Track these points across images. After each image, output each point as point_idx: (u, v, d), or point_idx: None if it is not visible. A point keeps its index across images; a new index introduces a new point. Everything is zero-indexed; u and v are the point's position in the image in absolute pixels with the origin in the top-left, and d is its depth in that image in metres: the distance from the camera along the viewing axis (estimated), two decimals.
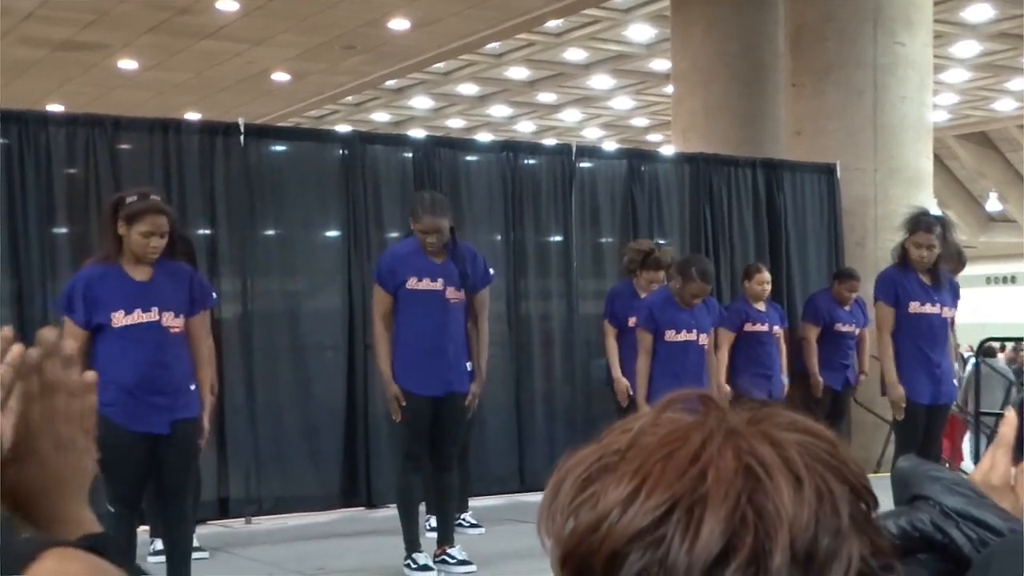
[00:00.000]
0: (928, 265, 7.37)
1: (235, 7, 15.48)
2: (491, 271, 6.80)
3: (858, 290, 9.44)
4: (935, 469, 1.49)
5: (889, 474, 1.54)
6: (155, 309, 5.43)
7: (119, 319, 5.36)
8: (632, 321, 8.23)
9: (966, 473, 1.58)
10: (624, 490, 0.97)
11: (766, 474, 0.96)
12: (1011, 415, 1.57)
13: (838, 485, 0.98)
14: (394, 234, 8.77)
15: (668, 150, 11.57)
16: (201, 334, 5.69)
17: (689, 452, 0.98)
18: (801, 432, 1.01)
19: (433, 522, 7.36)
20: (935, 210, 8.42)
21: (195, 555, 6.01)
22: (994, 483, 1.53)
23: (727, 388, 8.18)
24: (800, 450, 0.98)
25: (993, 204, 32.06)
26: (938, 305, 7.45)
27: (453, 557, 6.66)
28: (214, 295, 6.47)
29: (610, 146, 17.69)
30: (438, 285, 6.56)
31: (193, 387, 5.59)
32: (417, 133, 13.93)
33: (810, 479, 0.96)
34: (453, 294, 6.56)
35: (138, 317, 5.39)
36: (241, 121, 8.97)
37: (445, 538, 6.76)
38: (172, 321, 5.48)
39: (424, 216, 6.49)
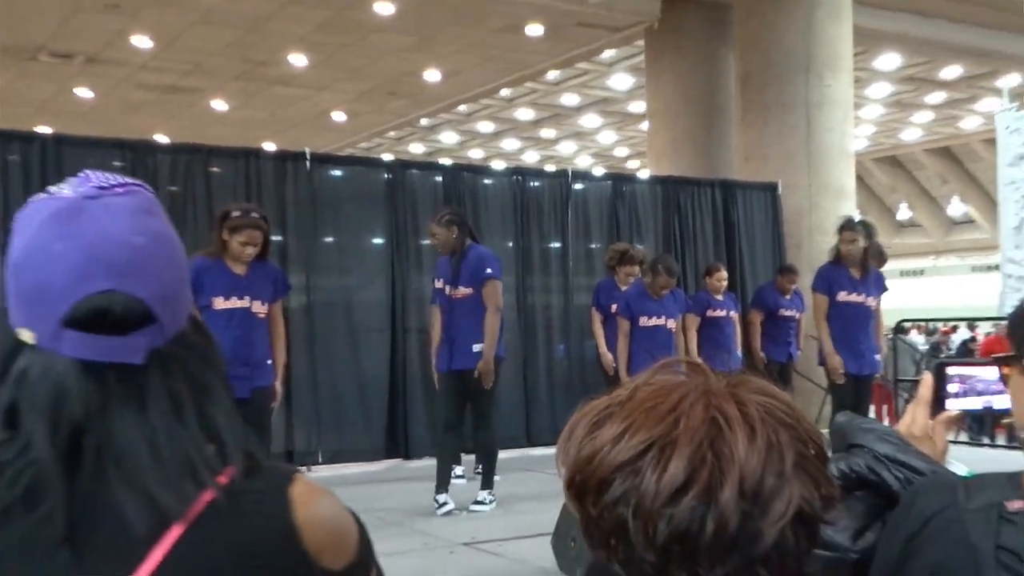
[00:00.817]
0: (857, 256, 7.33)
1: (303, 61, 15.52)
2: (489, 271, 6.57)
3: (797, 282, 9.42)
4: (867, 422, 1.47)
5: (826, 429, 1.52)
6: (247, 297, 5.51)
7: (219, 303, 5.43)
8: (614, 308, 8.21)
9: None
10: (615, 431, 0.99)
11: (727, 425, 0.96)
12: (927, 378, 1.55)
13: (787, 438, 0.97)
14: (426, 241, 8.78)
15: (644, 174, 11.55)
16: (279, 316, 5.77)
17: (669, 405, 0.99)
18: (764, 395, 1.01)
19: (459, 470, 7.38)
20: (858, 217, 8.38)
21: None
22: (916, 434, 1.51)
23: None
24: (759, 409, 0.99)
25: (903, 213, 32.15)
26: (863, 295, 7.42)
27: (485, 499, 6.67)
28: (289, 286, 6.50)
29: (598, 171, 17.60)
30: (440, 284, 6.69)
31: (269, 361, 5.60)
32: (445, 161, 13.95)
33: (763, 431, 0.96)
34: (452, 291, 6.57)
35: (233, 303, 5.47)
36: (307, 150, 8.98)
37: (484, 483, 6.78)
38: (259, 308, 5.56)
39: (430, 224, 6.78)
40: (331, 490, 1.07)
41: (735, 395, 1.00)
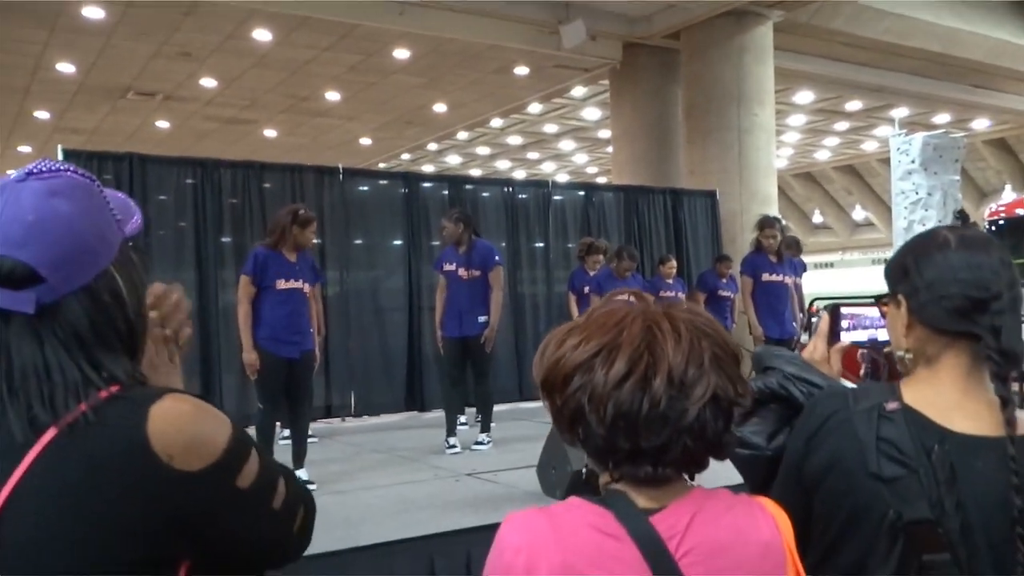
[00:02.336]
0: (776, 248, 7.37)
1: (337, 97, 15.47)
2: (496, 258, 6.68)
3: (731, 268, 9.42)
4: (778, 350, 1.50)
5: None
6: (301, 280, 5.49)
7: (281, 284, 5.42)
8: (586, 290, 8.21)
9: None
10: (575, 341, 1.05)
11: (660, 333, 1.02)
12: (826, 316, 1.58)
13: (707, 343, 1.03)
14: (436, 243, 8.78)
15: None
16: (317, 297, 5.71)
17: (615, 320, 1.05)
18: (691, 314, 1.07)
19: (463, 419, 7.37)
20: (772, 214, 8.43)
21: (309, 440, 5.99)
22: (816, 359, 1.54)
23: None
24: (686, 323, 1.05)
25: (817, 218, 32.19)
26: (781, 275, 7.46)
27: (482, 439, 6.67)
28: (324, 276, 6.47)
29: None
30: (454, 267, 6.60)
31: (312, 330, 5.60)
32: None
33: (687, 337, 1.03)
34: (464, 272, 6.56)
35: (291, 284, 5.45)
36: (340, 166, 8.94)
37: (483, 427, 6.77)
38: (307, 288, 5.52)
39: (443, 220, 6.74)
40: (205, 405, 1.04)
41: (668, 314, 1.06)
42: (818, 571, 1.27)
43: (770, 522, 1.05)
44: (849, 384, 1.44)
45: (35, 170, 1.05)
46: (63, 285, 1.02)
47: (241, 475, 1.03)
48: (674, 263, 9.19)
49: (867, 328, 1.59)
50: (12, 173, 1.07)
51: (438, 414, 7.18)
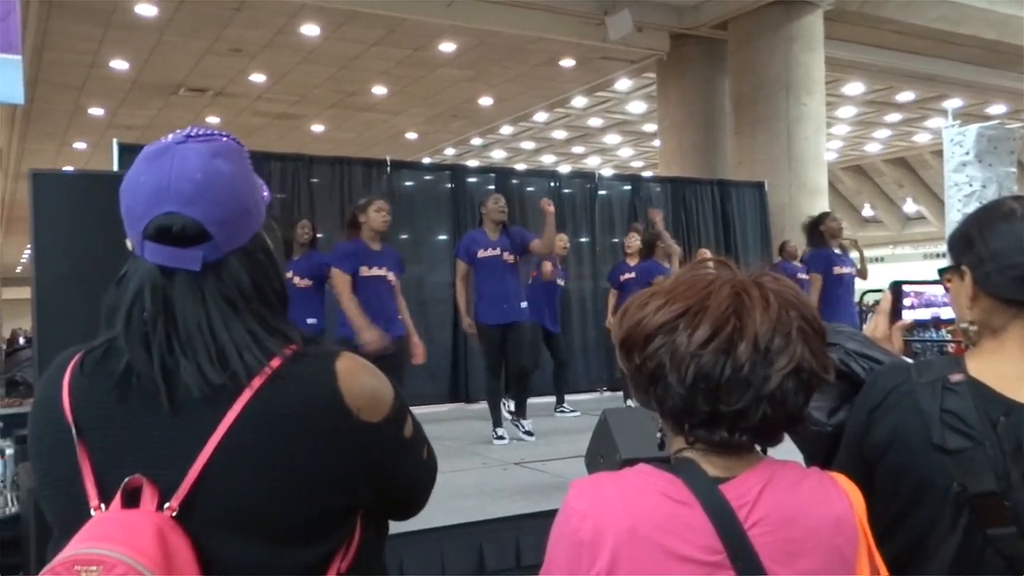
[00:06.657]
0: (840, 231, 7.33)
1: (384, 91, 15.57)
2: (528, 235, 6.54)
3: (798, 252, 8.98)
4: (840, 326, 1.50)
5: None
6: (384, 268, 5.64)
7: (364, 271, 5.58)
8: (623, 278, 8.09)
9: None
10: (659, 303, 1.06)
11: (748, 300, 1.03)
12: (888, 294, 1.56)
13: (795, 314, 1.04)
14: None
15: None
16: (399, 287, 5.84)
17: (703, 285, 1.06)
18: (781, 285, 1.07)
19: (512, 406, 7.25)
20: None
21: None
22: (878, 336, 1.53)
23: None
24: (775, 292, 1.05)
25: (867, 211, 31.72)
26: (849, 267, 7.41)
27: (523, 427, 6.63)
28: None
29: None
30: (497, 252, 6.42)
31: (399, 317, 5.71)
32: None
33: (776, 306, 1.03)
34: (509, 256, 6.43)
35: (375, 272, 5.60)
36: (388, 158, 9.00)
37: (519, 413, 6.70)
38: (391, 277, 5.68)
39: (488, 202, 6.60)
40: (370, 363, 1.10)
41: (757, 282, 1.06)
42: (882, 545, 1.26)
43: (843, 496, 1.04)
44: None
45: (192, 134, 1.10)
46: (227, 244, 1.06)
47: (406, 426, 1.13)
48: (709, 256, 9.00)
49: (930, 306, 1.57)
50: (167, 137, 1.10)
51: (483, 406, 7.18)
